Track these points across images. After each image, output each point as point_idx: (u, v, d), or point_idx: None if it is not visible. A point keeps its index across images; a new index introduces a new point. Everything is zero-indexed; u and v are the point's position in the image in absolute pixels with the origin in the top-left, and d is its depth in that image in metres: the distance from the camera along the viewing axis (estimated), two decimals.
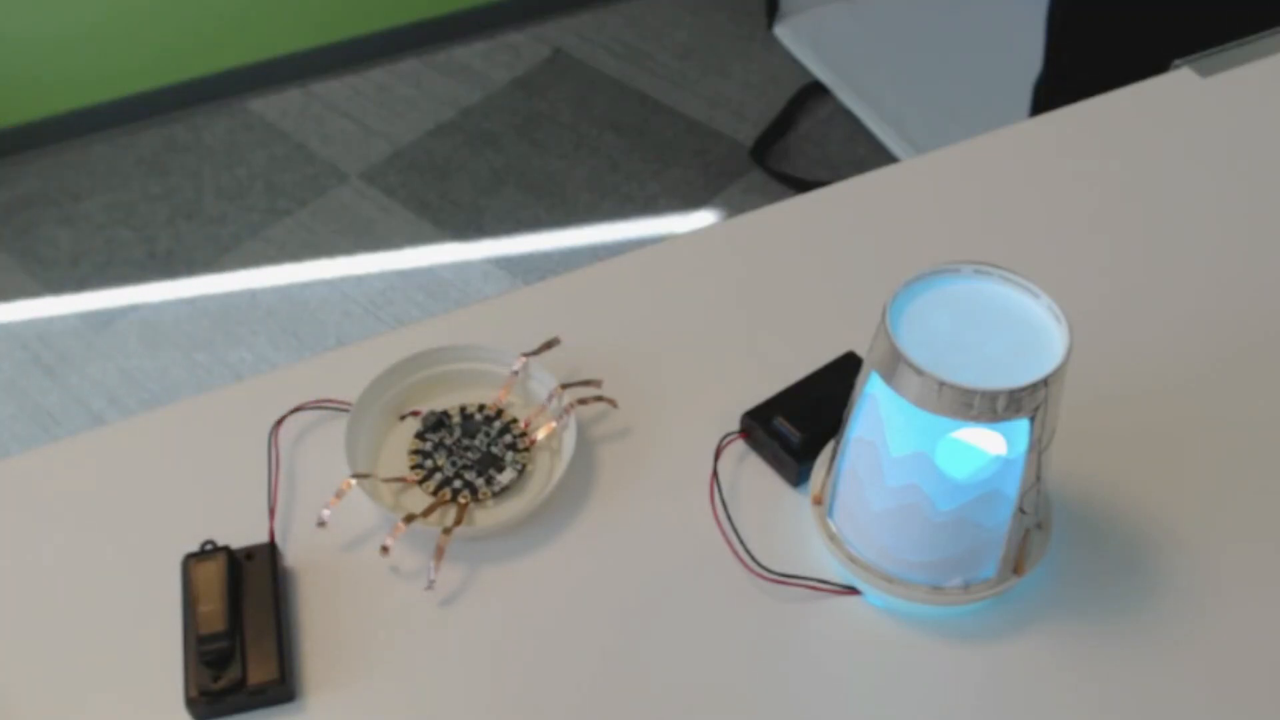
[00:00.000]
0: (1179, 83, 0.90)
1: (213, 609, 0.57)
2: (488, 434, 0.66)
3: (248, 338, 1.83)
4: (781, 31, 2.29)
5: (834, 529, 0.60)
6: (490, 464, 0.65)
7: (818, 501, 0.61)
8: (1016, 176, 0.82)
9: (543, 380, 0.67)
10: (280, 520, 0.64)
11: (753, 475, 0.65)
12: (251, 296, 1.90)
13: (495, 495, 0.64)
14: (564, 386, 0.66)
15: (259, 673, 0.56)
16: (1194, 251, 0.77)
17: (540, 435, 0.66)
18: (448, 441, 0.66)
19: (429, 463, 0.65)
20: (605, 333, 0.73)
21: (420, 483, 0.64)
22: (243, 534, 0.62)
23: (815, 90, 2.17)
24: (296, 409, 0.68)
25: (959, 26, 2.24)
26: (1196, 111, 0.87)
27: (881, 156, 2.03)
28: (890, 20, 2.26)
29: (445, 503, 0.63)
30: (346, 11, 2.32)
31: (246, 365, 1.78)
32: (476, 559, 0.62)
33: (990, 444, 0.54)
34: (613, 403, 0.68)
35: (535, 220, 2.02)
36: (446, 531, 0.60)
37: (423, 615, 0.60)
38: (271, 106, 2.29)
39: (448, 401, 0.68)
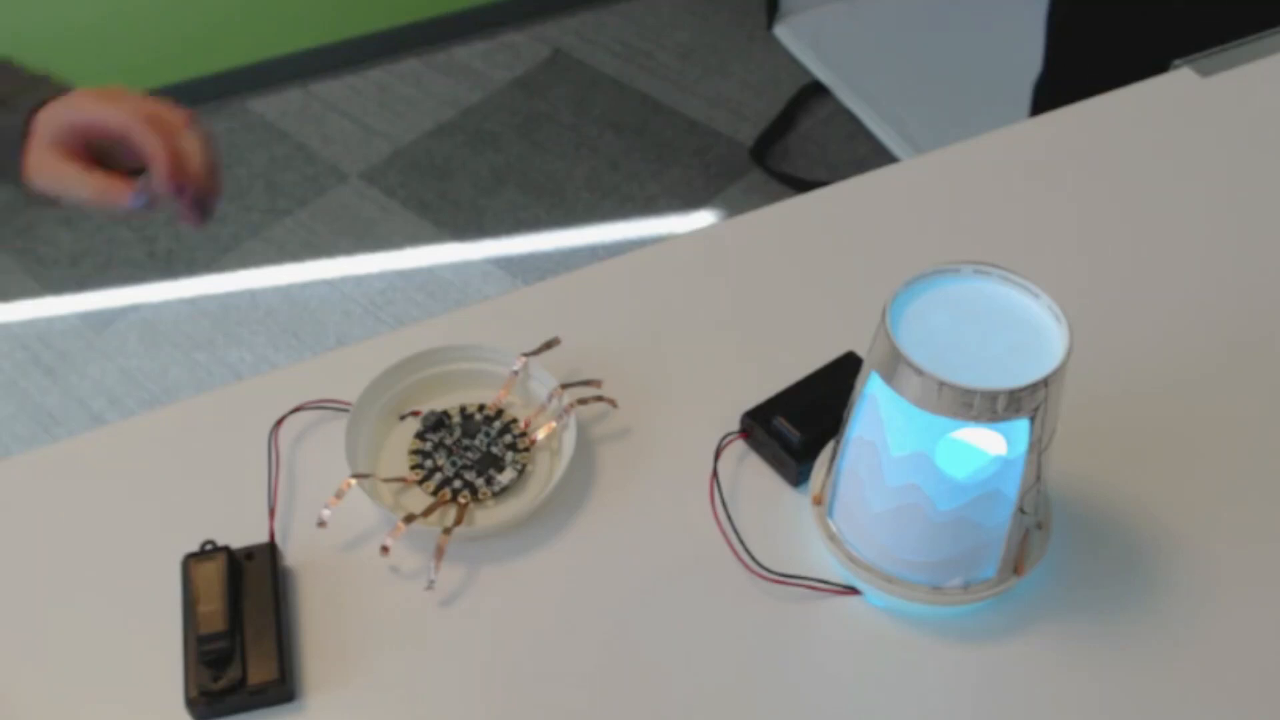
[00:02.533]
0: (1179, 83, 0.90)
1: (213, 609, 0.57)
2: (488, 434, 0.66)
3: (248, 338, 1.82)
4: (781, 31, 2.29)
5: (834, 529, 0.60)
6: (490, 464, 0.65)
7: (818, 501, 0.61)
8: (1016, 176, 0.82)
9: (543, 380, 0.67)
10: (280, 520, 0.64)
11: (753, 475, 0.65)
12: (251, 296, 1.90)
13: (495, 495, 0.64)
14: (564, 386, 0.66)
15: (259, 673, 0.56)
16: (1194, 251, 0.77)
17: (540, 435, 0.66)
18: (448, 441, 0.66)
19: (429, 463, 0.65)
20: (605, 333, 0.73)
21: (420, 483, 0.64)
22: (243, 534, 0.62)
23: (815, 90, 2.17)
24: (296, 409, 0.68)
25: (959, 27, 2.24)
26: (1196, 111, 0.87)
27: (881, 156, 2.02)
28: (890, 20, 2.25)
29: (445, 503, 0.63)
30: (346, 11, 2.32)
31: (246, 365, 1.78)
32: (476, 559, 0.62)
33: (990, 444, 0.54)
34: (613, 403, 0.68)
35: (535, 220, 2.02)
36: (446, 531, 0.60)
37: (423, 615, 0.60)
38: (271, 106, 2.29)
39: (448, 401, 0.68)
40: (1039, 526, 0.59)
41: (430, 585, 0.60)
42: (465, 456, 0.65)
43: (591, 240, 1.98)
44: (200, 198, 0.69)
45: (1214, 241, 0.78)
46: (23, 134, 0.68)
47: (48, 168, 0.68)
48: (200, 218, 0.70)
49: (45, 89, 0.70)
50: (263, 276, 1.94)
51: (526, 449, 0.66)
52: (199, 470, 0.66)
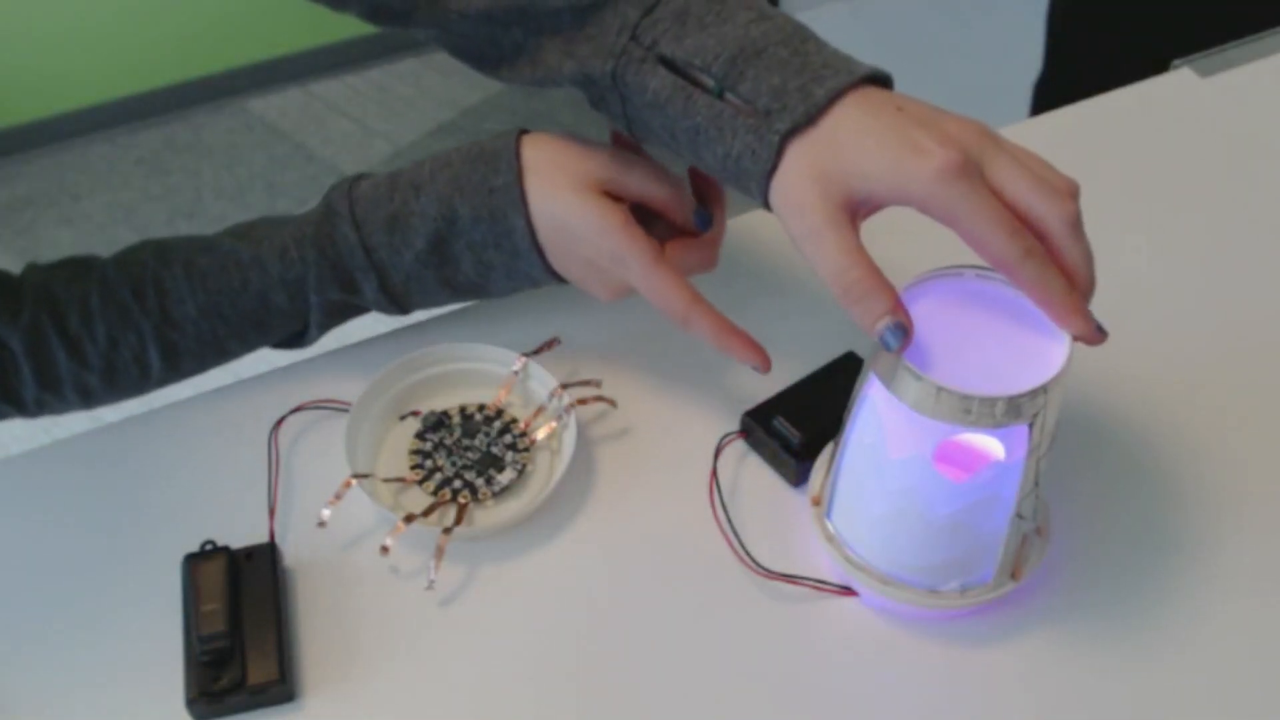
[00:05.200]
0: (1179, 83, 0.90)
1: (213, 609, 0.57)
2: (488, 434, 0.66)
3: None
4: None
5: (832, 530, 0.60)
6: (490, 464, 0.65)
7: (817, 502, 0.61)
8: None
9: (543, 380, 0.67)
10: (280, 520, 0.64)
11: (753, 475, 0.65)
12: None
13: (495, 495, 0.64)
14: (564, 386, 0.66)
15: (259, 673, 0.56)
16: (1194, 252, 0.77)
17: (540, 435, 0.66)
18: (448, 441, 0.66)
19: (429, 463, 0.65)
20: (605, 333, 0.73)
21: (420, 483, 0.64)
22: (243, 534, 0.62)
23: None
24: (296, 409, 0.68)
25: (959, 27, 2.24)
26: (1196, 111, 0.87)
27: None
28: (890, 20, 2.25)
29: (445, 503, 0.63)
30: None
31: (246, 365, 1.78)
32: (476, 559, 0.62)
33: (989, 449, 0.54)
34: (612, 403, 0.68)
35: None
36: (446, 531, 0.60)
37: (423, 615, 0.60)
38: (271, 106, 2.29)
39: (448, 401, 0.68)
40: (1038, 532, 0.59)
41: (430, 585, 0.60)
42: (465, 456, 0.65)
43: None
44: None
45: (1215, 242, 0.78)
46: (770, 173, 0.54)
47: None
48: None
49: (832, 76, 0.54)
50: None
51: (526, 449, 0.66)
52: (199, 470, 0.66)
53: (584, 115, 2.29)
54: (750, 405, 0.66)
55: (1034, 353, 0.52)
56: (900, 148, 0.51)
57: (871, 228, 0.79)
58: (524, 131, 0.64)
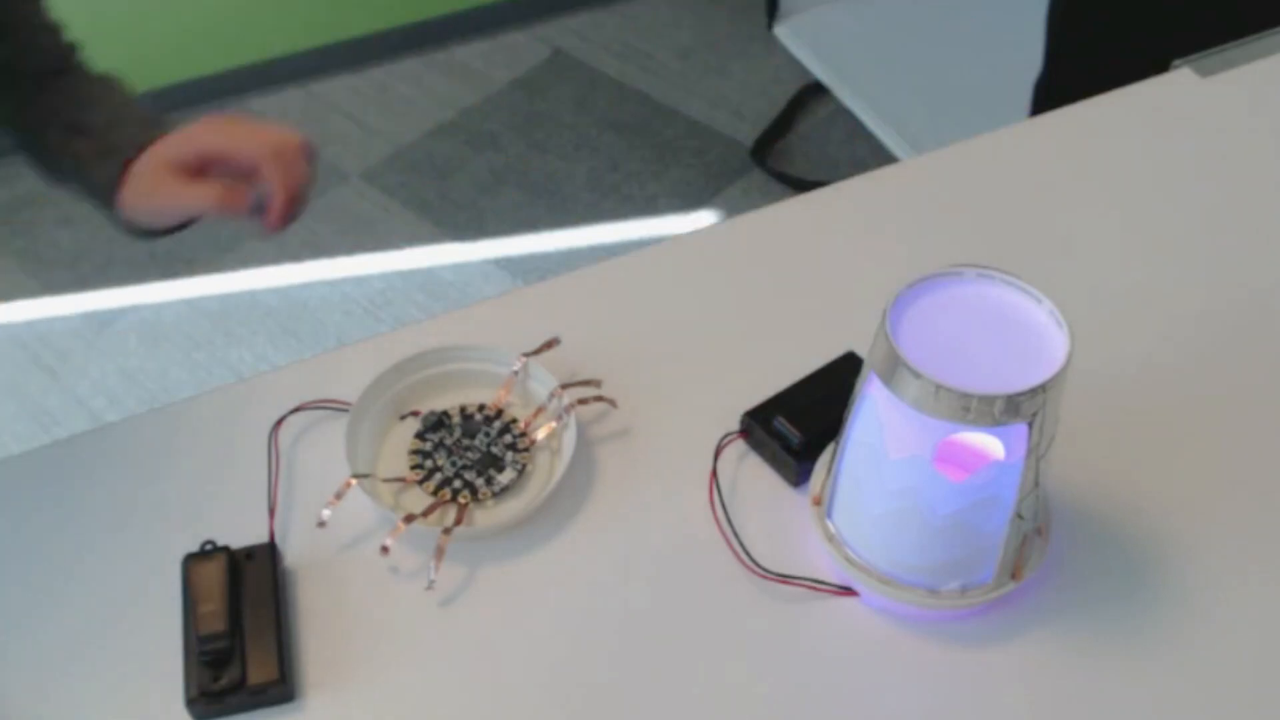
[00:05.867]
0: (1179, 83, 0.90)
1: (213, 609, 0.57)
2: (488, 434, 0.66)
3: (247, 337, 1.82)
4: (781, 31, 2.29)
5: (833, 530, 0.60)
6: (490, 464, 0.65)
7: (817, 502, 0.61)
8: (1016, 176, 0.82)
9: (543, 380, 0.67)
10: (280, 520, 0.64)
11: (752, 475, 0.65)
12: (251, 296, 1.90)
13: (495, 495, 0.64)
14: (564, 386, 0.66)
15: (259, 673, 0.56)
16: (1195, 252, 0.77)
17: (540, 435, 0.66)
18: (448, 441, 0.66)
19: (429, 463, 0.65)
20: (605, 333, 0.73)
21: (420, 483, 0.64)
22: (243, 534, 0.62)
23: (815, 90, 2.17)
24: (296, 409, 0.68)
25: (959, 26, 2.24)
26: (1196, 111, 0.87)
27: (881, 156, 2.02)
28: (890, 20, 2.25)
29: (445, 503, 0.63)
30: (346, 11, 2.32)
31: (246, 365, 1.78)
32: (476, 559, 0.62)
33: (989, 448, 0.54)
34: (613, 403, 0.68)
35: (535, 220, 2.02)
36: (446, 531, 0.60)
37: (423, 615, 0.60)
38: (271, 106, 2.29)
39: (448, 401, 0.68)
40: (1039, 533, 0.59)
41: (430, 585, 0.60)
42: (465, 456, 0.65)
43: (591, 240, 1.98)
44: (293, 214, 0.72)
45: (1215, 242, 0.78)
46: (117, 185, 0.71)
47: (161, 191, 0.69)
48: (283, 227, 0.72)
49: (145, 130, 0.72)
50: (263, 276, 1.94)
51: (526, 449, 0.66)
52: (199, 470, 0.66)
53: (585, 114, 2.28)
54: (750, 405, 0.66)
55: (1034, 352, 0.52)
56: (229, 130, 0.70)
57: (874, 226, 0.79)
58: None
